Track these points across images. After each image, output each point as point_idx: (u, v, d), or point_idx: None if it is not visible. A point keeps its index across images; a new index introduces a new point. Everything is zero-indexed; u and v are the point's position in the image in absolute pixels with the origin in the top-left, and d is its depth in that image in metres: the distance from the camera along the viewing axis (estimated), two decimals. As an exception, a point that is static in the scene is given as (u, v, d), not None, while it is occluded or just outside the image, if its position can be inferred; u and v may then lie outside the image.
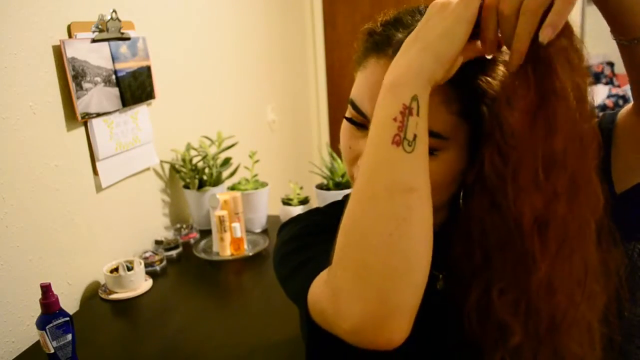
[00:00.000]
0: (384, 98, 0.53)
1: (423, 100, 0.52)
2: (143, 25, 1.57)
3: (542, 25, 0.50)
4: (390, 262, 0.49)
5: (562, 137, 0.53)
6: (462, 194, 0.60)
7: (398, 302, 0.48)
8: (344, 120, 0.66)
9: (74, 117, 1.29)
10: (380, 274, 0.48)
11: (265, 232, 1.72)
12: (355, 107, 0.62)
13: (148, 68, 1.56)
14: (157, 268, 1.48)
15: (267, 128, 2.59)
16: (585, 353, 0.59)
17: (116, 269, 1.36)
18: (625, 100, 3.85)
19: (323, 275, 0.57)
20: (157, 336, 1.17)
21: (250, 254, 1.54)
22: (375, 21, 0.64)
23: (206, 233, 1.69)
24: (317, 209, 0.81)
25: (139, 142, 1.54)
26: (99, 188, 1.41)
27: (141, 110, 1.55)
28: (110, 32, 1.39)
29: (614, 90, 3.95)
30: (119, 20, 1.42)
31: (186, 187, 1.72)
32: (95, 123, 1.36)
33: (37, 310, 1.00)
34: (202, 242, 1.63)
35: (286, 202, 1.71)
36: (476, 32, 0.53)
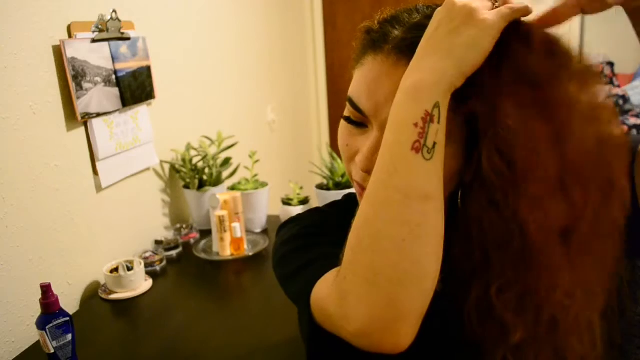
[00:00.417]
0: (405, 101, 0.52)
1: (443, 108, 0.52)
2: (143, 25, 1.57)
3: None
4: (401, 267, 0.48)
5: (573, 141, 0.52)
6: (460, 193, 0.60)
7: (407, 307, 0.48)
8: (342, 119, 0.66)
9: (74, 117, 1.29)
10: (391, 279, 0.48)
11: (265, 232, 1.72)
12: (353, 104, 0.62)
13: (148, 68, 1.56)
14: (157, 268, 1.48)
15: (267, 128, 2.59)
16: (586, 351, 0.59)
17: (116, 269, 1.36)
18: (625, 100, 3.85)
19: (328, 277, 0.57)
20: (157, 336, 1.17)
21: (250, 254, 1.54)
22: (373, 19, 0.64)
23: (206, 233, 1.69)
24: (317, 209, 0.81)
25: (139, 142, 1.54)
26: (99, 188, 1.41)
27: (141, 110, 1.56)
28: (110, 32, 1.39)
29: (614, 90, 3.95)
30: (119, 20, 1.42)
31: (186, 187, 1.72)
32: (95, 123, 1.36)
33: (37, 310, 1.00)
34: (202, 242, 1.63)
35: (286, 202, 1.71)
36: None
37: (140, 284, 1.37)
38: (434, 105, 0.51)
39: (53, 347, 0.98)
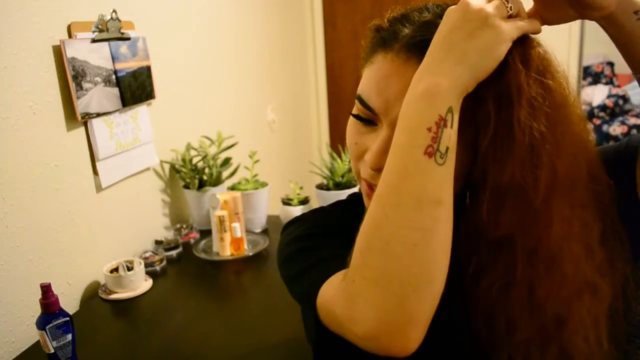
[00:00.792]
0: (417, 104, 0.52)
1: (456, 112, 0.52)
2: (143, 25, 1.57)
3: None
4: (412, 272, 0.49)
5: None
6: (468, 193, 0.60)
7: (416, 311, 0.48)
8: (351, 117, 0.65)
9: (74, 117, 1.29)
10: (401, 283, 0.48)
11: (265, 232, 1.72)
12: (362, 101, 0.61)
13: (148, 68, 1.56)
14: (157, 268, 1.48)
15: (267, 128, 2.59)
16: (592, 349, 0.59)
17: (116, 269, 1.36)
18: (625, 100, 3.85)
19: (335, 279, 0.57)
20: (157, 336, 1.17)
21: (250, 254, 1.54)
22: (383, 18, 0.64)
23: (206, 233, 1.69)
24: (321, 209, 0.80)
25: (139, 142, 1.54)
26: (99, 188, 1.41)
27: (141, 110, 1.56)
28: (110, 32, 1.39)
29: (614, 90, 3.95)
30: (119, 20, 1.42)
31: (186, 187, 1.72)
32: (95, 123, 1.36)
33: (37, 310, 1.00)
34: (202, 242, 1.63)
35: (286, 202, 1.71)
36: None
37: (140, 284, 1.37)
38: (448, 110, 0.51)
39: (53, 347, 0.98)
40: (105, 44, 1.38)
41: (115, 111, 1.43)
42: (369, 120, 0.62)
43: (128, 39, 1.46)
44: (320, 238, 0.68)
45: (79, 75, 1.29)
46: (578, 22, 2.95)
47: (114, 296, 1.34)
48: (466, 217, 0.57)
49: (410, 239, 0.49)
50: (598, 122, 3.77)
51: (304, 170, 2.25)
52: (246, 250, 1.56)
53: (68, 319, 1.00)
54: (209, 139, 1.82)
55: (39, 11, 1.21)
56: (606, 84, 4.10)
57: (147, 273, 1.44)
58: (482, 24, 0.52)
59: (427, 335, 0.51)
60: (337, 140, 3.07)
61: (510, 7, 0.54)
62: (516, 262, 0.55)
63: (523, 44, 0.55)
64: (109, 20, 1.39)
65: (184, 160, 1.70)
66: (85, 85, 1.31)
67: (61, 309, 0.99)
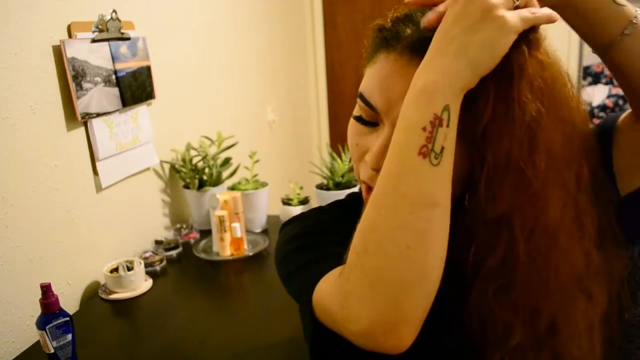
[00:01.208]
0: (414, 103, 0.51)
1: (454, 111, 0.50)
2: (143, 25, 1.57)
3: None
4: (405, 273, 0.49)
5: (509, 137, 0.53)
6: (467, 195, 0.60)
7: (409, 311, 0.49)
8: (352, 118, 0.65)
9: (74, 117, 1.29)
10: (394, 284, 0.49)
11: (265, 232, 1.72)
12: (364, 99, 0.61)
13: (148, 68, 1.56)
14: (157, 268, 1.48)
15: (267, 128, 2.59)
16: (584, 356, 0.59)
17: (116, 269, 1.36)
18: (626, 100, 3.85)
19: (331, 277, 0.57)
20: (157, 336, 1.17)
21: (250, 254, 1.54)
22: (385, 17, 0.63)
23: (206, 233, 1.69)
24: (320, 208, 0.80)
25: (139, 142, 1.54)
26: (99, 188, 1.41)
27: (141, 110, 1.56)
28: (110, 32, 1.39)
29: (614, 90, 3.95)
30: (119, 20, 1.42)
31: (186, 187, 1.72)
32: (95, 123, 1.36)
33: (37, 310, 1.00)
34: (202, 242, 1.63)
35: (286, 202, 1.71)
36: None
37: (140, 284, 1.37)
38: (444, 108, 0.50)
39: (53, 347, 0.98)
40: (105, 44, 1.38)
41: (115, 111, 1.43)
42: (371, 121, 0.62)
43: (128, 39, 1.46)
44: (317, 236, 0.69)
45: (79, 75, 1.29)
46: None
47: (114, 296, 1.34)
48: (464, 216, 0.57)
49: (404, 241, 0.49)
50: (598, 122, 3.76)
51: (304, 170, 2.25)
52: (246, 250, 1.56)
53: (68, 319, 0.99)
54: (209, 139, 1.82)
55: (39, 11, 1.21)
56: (606, 83, 4.10)
57: (147, 273, 1.44)
58: (484, 15, 0.50)
59: (422, 333, 0.51)
60: (337, 140, 3.07)
61: None
62: (517, 241, 0.55)
63: (527, 37, 0.53)
64: (109, 20, 1.39)
65: (184, 160, 1.70)
66: (85, 85, 1.31)
67: (61, 309, 0.99)
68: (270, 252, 1.55)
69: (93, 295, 1.37)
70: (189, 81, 1.87)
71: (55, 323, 0.98)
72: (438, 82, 0.50)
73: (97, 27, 1.37)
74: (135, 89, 1.50)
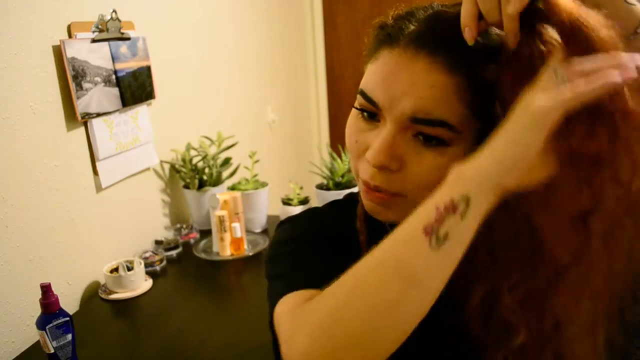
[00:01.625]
0: (444, 183, 0.50)
1: (475, 206, 0.48)
2: (143, 25, 1.57)
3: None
4: (359, 332, 0.48)
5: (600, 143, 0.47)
6: None
7: None
8: (351, 114, 0.64)
9: (74, 117, 1.29)
10: (343, 336, 0.48)
11: (265, 232, 1.72)
12: (365, 96, 0.60)
13: (148, 68, 1.56)
14: (157, 268, 1.48)
15: (267, 128, 2.59)
16: (587, 356, 0.59)
17: (116, 269, 1.36)
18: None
19: (296, 297, 0.58)
20: (157, 336, 1.17)
21: (250, 254, 1.54)
22: (387, 15, 0.63)
23: (206, 233, 1.69)
24: (315, 210, 0.80)
25: (139, 142, 1.54)
26: (99, 188, 1.41)
27: (141, 110, 1.56)
28: (110, 32, 1.39)
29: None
30: (119, 20, 1.42)
31: (186, 187, 1.72)
32: (95, 123, 1.36)
33: (37, 310, 1.00)
34: (202, 242, 1.63)
35: (286, 202, 1.71)
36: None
37: (140, 284, 1.37)
38: (462, 198, 0.48)
39: (53, 347, 0.98)
40: (105, 44, 1.38)
41: (115, 111, 1.43)
42: (372, 113, 0.61)
43: (128, 39, 1.46)
44: (304, 243, 0.69)
45: (79, 75, 1.29)
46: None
47: (114, 296, 1.34)
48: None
49: (371, 301, 0.48)
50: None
51: (304, 170, 2.25)
52: (246, 250, 1.56)
53: (68, 319, 1.00)
54: (209, 139, 1.82)
55: (39, 11, 1.21)
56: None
57: (147, 273, 1.44)
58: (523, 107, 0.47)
59: (420, 333, 0.50)
60: (337, 140, 3.07)
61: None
62: (516, 264, 0.55)
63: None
64: (109, 20, 1.39)
65: (184, 160, 1.70)
66: (85, 85, 1.31)
67: (61, 309, 0.99)
68: (270, 252, 1.55)
69: (93, 295, 1.37)
70: (189, 81, 1.87)
71: (55, 323, 0.98)
72: (468, 171, 0.49)
73: (97, 27, 1.37)
74: (135, 89, 1.50)
